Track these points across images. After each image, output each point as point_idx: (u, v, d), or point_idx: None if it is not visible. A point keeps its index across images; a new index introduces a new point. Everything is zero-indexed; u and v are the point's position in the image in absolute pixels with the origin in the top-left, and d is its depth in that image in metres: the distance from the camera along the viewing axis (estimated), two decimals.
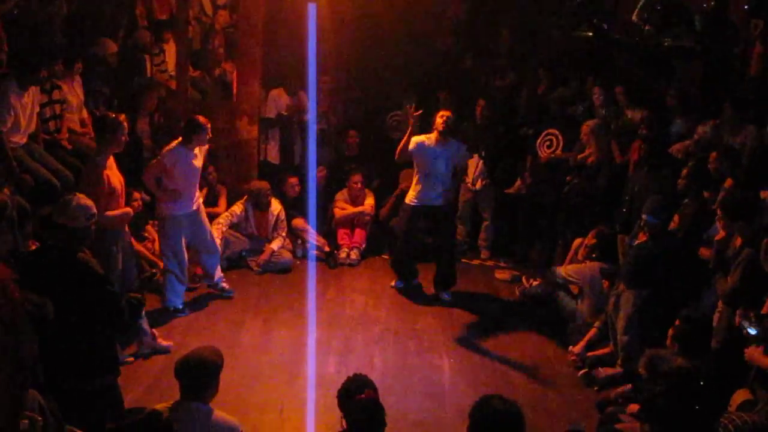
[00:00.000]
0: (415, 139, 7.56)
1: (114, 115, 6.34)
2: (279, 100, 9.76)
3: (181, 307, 7.30)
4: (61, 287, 4.35)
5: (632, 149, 7.60)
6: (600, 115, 8.37)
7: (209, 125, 7.12)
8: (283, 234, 8.64)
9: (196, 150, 7.10)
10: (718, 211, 5.49)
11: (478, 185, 9.03)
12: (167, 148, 7.10)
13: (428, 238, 8.46)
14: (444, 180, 7.64)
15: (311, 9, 4.54)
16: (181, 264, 7.27)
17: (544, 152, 8.57)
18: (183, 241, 7.25)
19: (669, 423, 3.53)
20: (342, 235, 9.10)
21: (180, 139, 7.07)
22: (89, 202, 4.68)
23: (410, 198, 7.76)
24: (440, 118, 7.55)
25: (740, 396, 4.54)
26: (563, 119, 8.71)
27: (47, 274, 4.42)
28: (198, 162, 7.14)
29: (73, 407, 4.13)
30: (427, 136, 7.62)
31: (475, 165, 9.01)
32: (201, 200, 7.54)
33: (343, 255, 8.88)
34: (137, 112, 8.50)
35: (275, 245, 8.51)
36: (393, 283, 8.19)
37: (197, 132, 7.00)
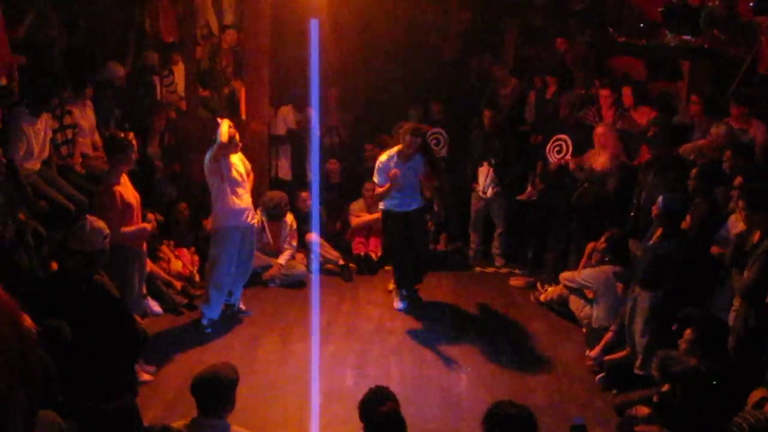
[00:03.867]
0: (381, 160, 7.63)
1: (123, 134, 6.43)
2: (288, 117, 9.85)
3: (206, 323, 7.30)
4: (78, 310, 4.41)
5: (642, 152, 7.60)
6: (608, 119, 8.37)
7: (237, 135, 7.21)
8: (294, 244, 8.70)
9: (234, 159, 7.16)
10: (740, 203, 5.46)
11: (490, 193, 9.03)
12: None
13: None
14: (416, 186, 7.73)
15: (313, 24, 4.58)
16: (229, 276, 7.29)
17: (554, 158, 8.57)
18: (236, 253, 7.27)
19: (683, 423, 3.53)
20: (357, 243, 9.14)
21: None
22: (102, 225, 4.73)
23: (388, 205, 7.78)
24: (411, 136, 7.48)
25: (758, 394, 4.52)
26: (572, 124, 8.71)
27: (64, 297, 4.48)
28: (239, 171, 7.19)
29: (93, 427, 4.17)
30: (390, 152, 7.64)
31: (485, 173, 9.02)
32: (256, 219, 7.61)
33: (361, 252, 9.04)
34: (147, 133, 8.58)
35: (282, 259, 8.56)
36: (397, 305, 7.95)
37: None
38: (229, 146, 7.09)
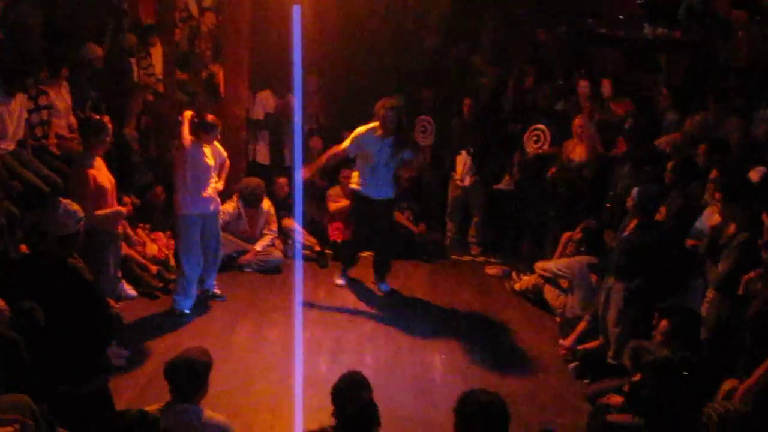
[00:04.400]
0: (359, 131, 7.51)
1: (98, 117, 6.37)
2: (267, 102, 9.80)
3: (188, 311, 7.25)
4: (51, 293, 4.38)
5: (618, 143, 7.65)
6: (586, 109, 8.40)
7: (219, 125, 7.17)
8: (274, 229, 8.68)
9: (206, 149, 7.10)
10: (716, 195, 5.50)
11: (467, 182, 9.07)
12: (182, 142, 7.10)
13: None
14: (389, 169, 7.59)
15: (296, 10, 4.54)
16: (196, 266, 7.23)
17: (531, 147, 8.60)
18: (199, 241, 7.21)
19: (654, 413, 3.58)
20: (334, 229, 9.13)
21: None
22: (76, 207, 4.69)
23: (356, 184, 7.75)
24: (386, 110, 7.38)
25: (728, 386, 4.57)
26: (550, 114, 8.74)
27: (37, 280, 4.45)
28: (209, 161, 7.13)
29: (65, 411, 4.14)
30: (369, 127, 7.51)
31: (463, 162, 9.05)
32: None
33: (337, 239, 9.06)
34: (123, 115, 8.50)
35: (260, 245, 8.53)
36: (339, 281, 8.15)
37: (207, 131, 7.03)
38: (210, 135, 7.07)
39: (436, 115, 9.40)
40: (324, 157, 7.88)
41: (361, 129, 7.55)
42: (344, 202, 9.20)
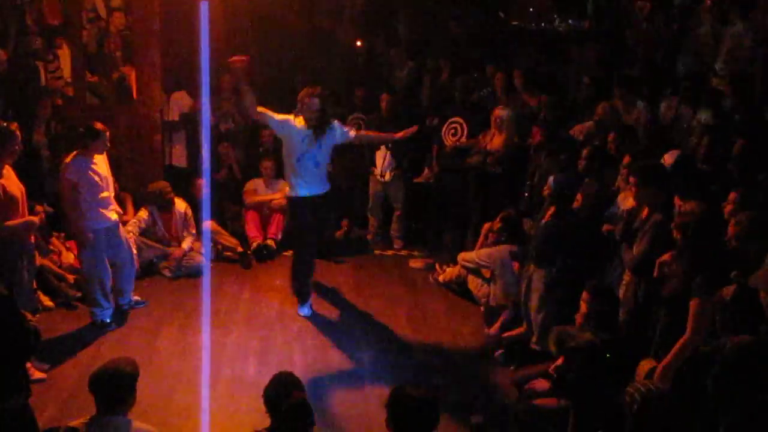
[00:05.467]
0: (286, 116, 6.91)
1: (5, 124, 6.15)
2: (182, 103, 9.63)
3: (108, 320, 7.07)
4: None
5: (533, 133, 7.81)
6: (503, 101, 8.55)
7: (107, 132, 6.86)
8: (194, 232, 8.54)
9: (96, 158, 6.86)
10: (631, 179, 5.67)
11: (387, 176, 9.10)
12: (66, 161, 6.78)
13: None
14: (322, 164, 7.04)
15: (203, 7, 4.47)
16: (105, 281, 7.03)
17: (449, 140, 8.70)
18: (105, 257, 7.00)
19: (579, 395, 3.68)
20: (249, 221, 9.02)
21: (76, 149, 6.81)
22: None
23: (292, 192, 7.11)
24: (310, 98, 6.81)
25: (646, 365, 4.73)
26: (466, 107, 8.85)
27: None
28: (101, 170, 6.87)
29: None
30: (295, 117, 6.93)
31: (383, 157, 9.08)
32: (117, 215, 7.20)
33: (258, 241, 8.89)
34: (32, 121, 8.23)
35: (185, 245, 8.41)
36: (302, 312, 7.43)
37: (95, 139, 6.75)
38: (99, 143, 6.78)
39: (365, 112, 9.40)
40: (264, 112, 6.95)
41: (288, 116, 6.97)
42: (262, 196, 9.12)
